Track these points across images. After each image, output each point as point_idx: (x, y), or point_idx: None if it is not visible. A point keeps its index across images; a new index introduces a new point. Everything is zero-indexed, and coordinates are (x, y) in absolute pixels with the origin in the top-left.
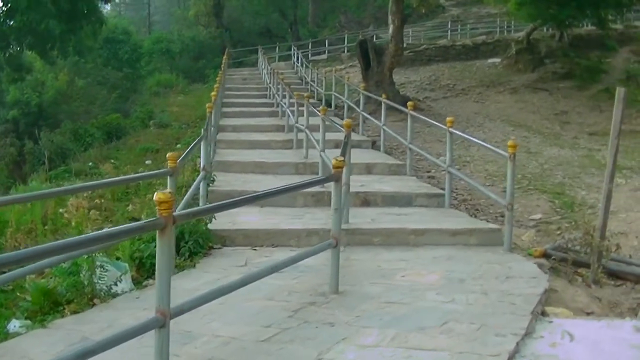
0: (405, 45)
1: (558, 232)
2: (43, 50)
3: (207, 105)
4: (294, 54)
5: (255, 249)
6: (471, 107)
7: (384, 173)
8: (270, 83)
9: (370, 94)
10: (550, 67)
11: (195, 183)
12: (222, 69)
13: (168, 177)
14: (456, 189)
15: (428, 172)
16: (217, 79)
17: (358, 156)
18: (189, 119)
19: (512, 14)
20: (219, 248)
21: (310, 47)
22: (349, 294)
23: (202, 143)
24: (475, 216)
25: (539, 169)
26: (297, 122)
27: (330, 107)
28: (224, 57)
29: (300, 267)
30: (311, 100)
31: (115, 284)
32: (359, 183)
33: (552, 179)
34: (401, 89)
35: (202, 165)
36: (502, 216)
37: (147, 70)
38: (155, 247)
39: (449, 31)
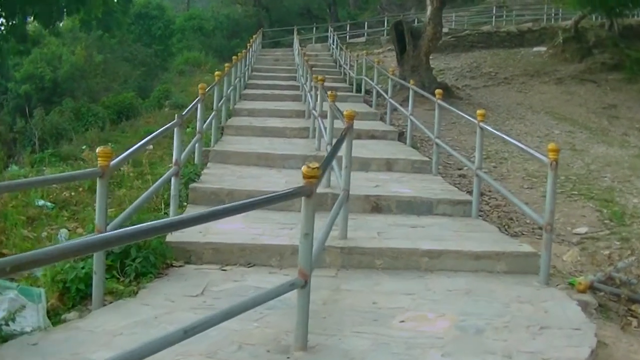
0: (447, 30)
1: (607, 252)
2: (48, 20)
3: (199, 86)
4: (330, 35)
5: (224, 269)
6: (513, 97)
7: (406, 171)
8: (300, 65)
9: (398, 79)
10: (599, 58)
11: (159, 181)
12: (248, 47)
13: (97, 180)
14: (489, 191)
15: (459, 169)
16: (234, 57)
17: (380, 149)
18: (208, 99)
19: (559, 0)
20: (180, 266)
21: (348, 29)
22: (321, 352)
23: (175, 131)
24: (509, 227)
25: (584, 169)
26: (314, 108)
27: (360, 92)
28: (254, 36)
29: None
30: (342, 85)
31: (13, 320)
32: (373, 183)
33: (600, 183)
34: (440, 75)
35: (174, 159)
36: (541, 228)
37: (179, 47)
38: (84, 268)
39: (493, 17)
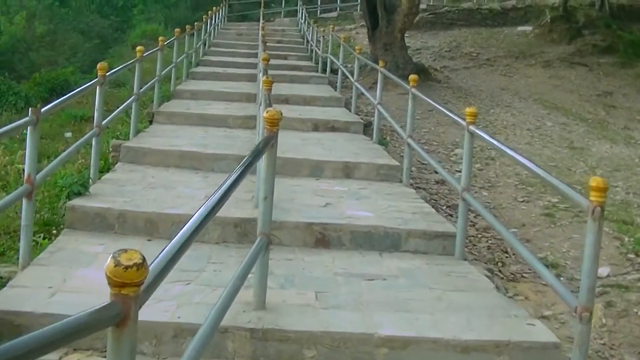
0: (425, 6)
1: None
2: None
3: (98, 66)
4: (299, 9)
5: None
6: (497, 80)
7: (369, 178)
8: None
9: (365, 59)
10: (590, 39)
11: None
12: (204, 20)
13: None
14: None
15: (436, 172)
16: (176, 30)
17: (338, 148)
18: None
19: None
20: None
21: (319, 3)
22: None
23: (28, 131)
24: (503, 265)
25: (589, 175)
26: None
27: (326, 72)
28: (215, 8)
29: None
30: (307, 64)
31: None
32: (323, 200)
33: (612, 195)
34: (416, 55)
35: (26, 174)
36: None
37: (139, 19)
38: None
39: None
